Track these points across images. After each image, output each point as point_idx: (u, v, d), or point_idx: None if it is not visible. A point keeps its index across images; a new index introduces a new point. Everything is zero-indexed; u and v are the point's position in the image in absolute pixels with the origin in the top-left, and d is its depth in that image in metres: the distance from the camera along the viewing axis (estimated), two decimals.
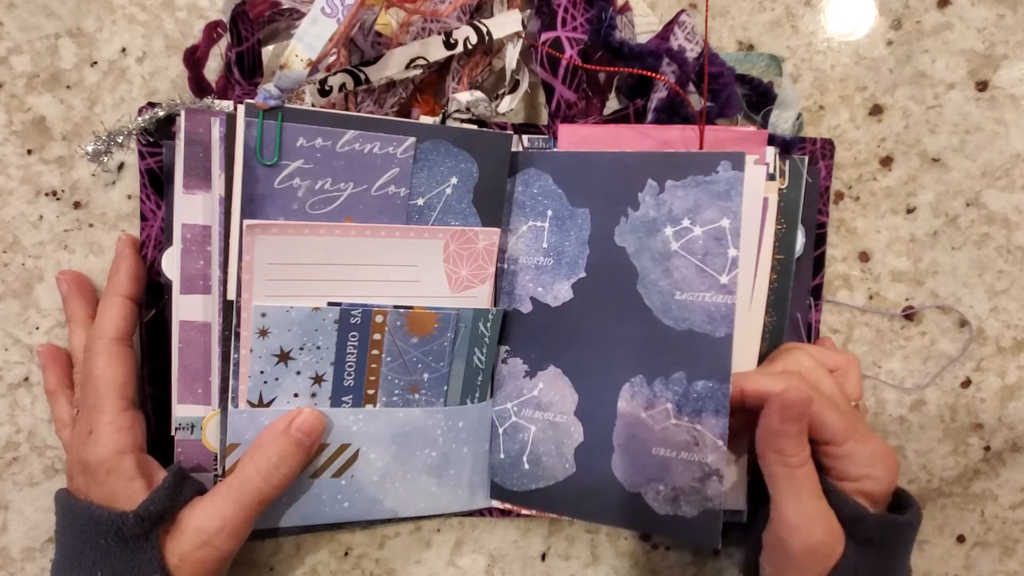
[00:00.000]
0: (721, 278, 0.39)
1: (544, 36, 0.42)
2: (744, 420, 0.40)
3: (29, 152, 0.44)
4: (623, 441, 0.42)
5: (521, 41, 0.43)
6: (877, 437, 0.38)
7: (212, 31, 0.41)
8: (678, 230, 0.40)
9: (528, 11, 0.43)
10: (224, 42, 0.41)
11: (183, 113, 0.37)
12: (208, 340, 0.39)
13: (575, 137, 0.42)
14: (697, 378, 0.39)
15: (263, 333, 0.38)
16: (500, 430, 0.44)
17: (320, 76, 0.40)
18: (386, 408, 0.41)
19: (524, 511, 0.44)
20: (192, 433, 0.39)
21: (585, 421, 0.42)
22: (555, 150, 0.43)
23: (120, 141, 0.39)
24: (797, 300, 0.45)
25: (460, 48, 0.41)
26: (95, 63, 0.44)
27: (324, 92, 0.40)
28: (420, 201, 0.40)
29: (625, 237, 0.41)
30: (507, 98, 0.42)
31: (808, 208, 0.44)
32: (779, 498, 0.37)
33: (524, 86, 0.43)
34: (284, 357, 0.38)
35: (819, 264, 0.46)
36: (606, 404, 0.42)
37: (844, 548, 0.36)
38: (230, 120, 0.36)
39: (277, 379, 0.38)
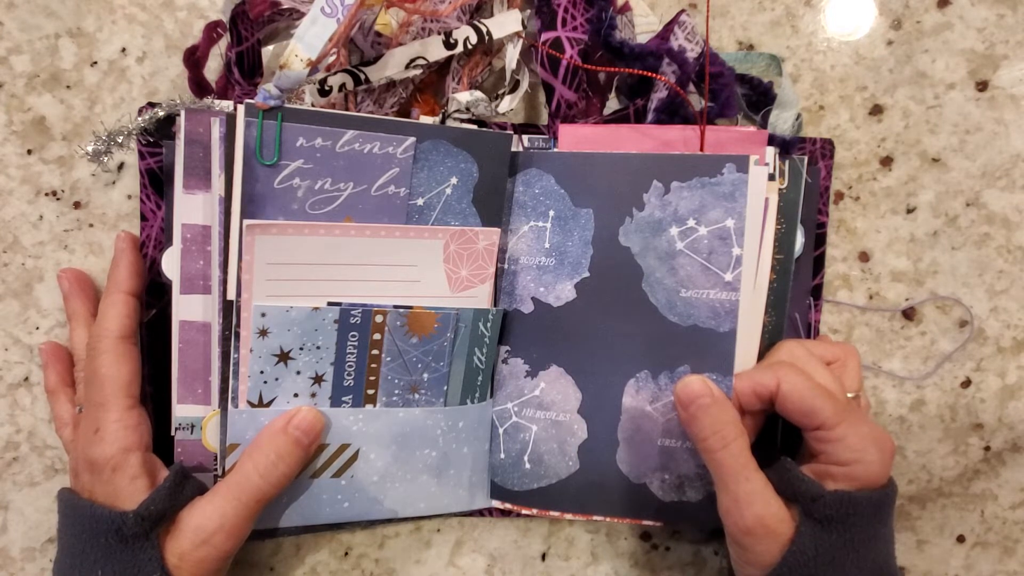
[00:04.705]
0: (726, 275, 0.40)
1: (544, 36, 0.42)
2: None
3: (29, 152, 0.44)
4: (628, 435, 0.42)
5: (521, 41, 0.43)
6: (871, 422, 0.38)
7: (212, 31, 0.41)
8: (683, 230, 0.40)
9: (528, 11, 0.43)
10: (224, 42, 0.41)
11: (183, 113, 0.37)
12: (208, 340, 0.39)
13: (575, 137, 0.42)
14: (701, 371, 0.40)
15: (263, 333, 0.38)
16: (500, 430, 0.44)
17: (320, 76, 0.40)
18: (386, 408, 0.41)
19: (524, 511, 0.44)
20: (192, 433, 0.39)
21: (589, 418, 0.43)
22: (557, 150, 0.43)
23: (120, 141, 0.39)
24: (797, 300, 0.45)
25: (460, 48, 0.41)
26: (95, 63, 0.44)
27: (324, 92, 0.40)
28: (420, 201, 0.40)
29: (630, 237, 0.41)
30: (507, 98, 0.42)
31: (808, 208, 0.44)
32: (715, 484, 0.37)
33: (524, 86, 0.43)
34: (284, 357, 0.38)
35: (819, 264, 0.46)
36: (611, 400, 0.42)
37: (797, 526, 0.35)
38: (230, 120, 0.36)
39: (277, 379, 0.38)
